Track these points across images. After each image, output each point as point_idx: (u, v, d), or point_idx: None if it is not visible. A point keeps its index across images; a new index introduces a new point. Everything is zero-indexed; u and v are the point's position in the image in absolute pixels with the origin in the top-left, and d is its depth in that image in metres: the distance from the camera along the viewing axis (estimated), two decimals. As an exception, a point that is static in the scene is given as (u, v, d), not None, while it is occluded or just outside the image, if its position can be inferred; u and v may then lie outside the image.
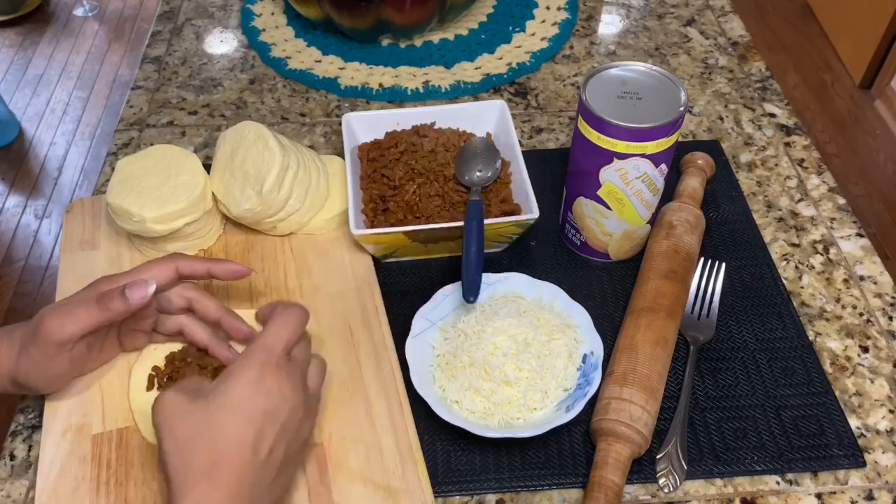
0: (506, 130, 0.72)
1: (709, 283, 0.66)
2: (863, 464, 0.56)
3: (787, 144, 0.81)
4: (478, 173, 0.68)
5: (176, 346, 0.59)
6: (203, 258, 0.57)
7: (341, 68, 0.90)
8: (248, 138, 0.66)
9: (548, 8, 0.99)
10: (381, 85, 0.88)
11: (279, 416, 0.46)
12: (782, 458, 0.56)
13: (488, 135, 0.74)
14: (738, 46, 0.94)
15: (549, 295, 0.62)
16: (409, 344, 0.59)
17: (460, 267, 0.59)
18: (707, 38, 0.95)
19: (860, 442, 0.57)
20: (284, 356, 0.48)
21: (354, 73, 0.89)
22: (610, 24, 0.98)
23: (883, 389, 0.60)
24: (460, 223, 0.63)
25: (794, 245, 0.71)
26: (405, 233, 0.63)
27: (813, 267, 0.69)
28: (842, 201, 0.75)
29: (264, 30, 0.96)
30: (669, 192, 0.71)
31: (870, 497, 0.55)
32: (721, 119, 0.84)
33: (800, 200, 0.75)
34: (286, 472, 0.48)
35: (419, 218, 0.66)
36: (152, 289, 0.53)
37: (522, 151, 0.69)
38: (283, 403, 0.46)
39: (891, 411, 0.59)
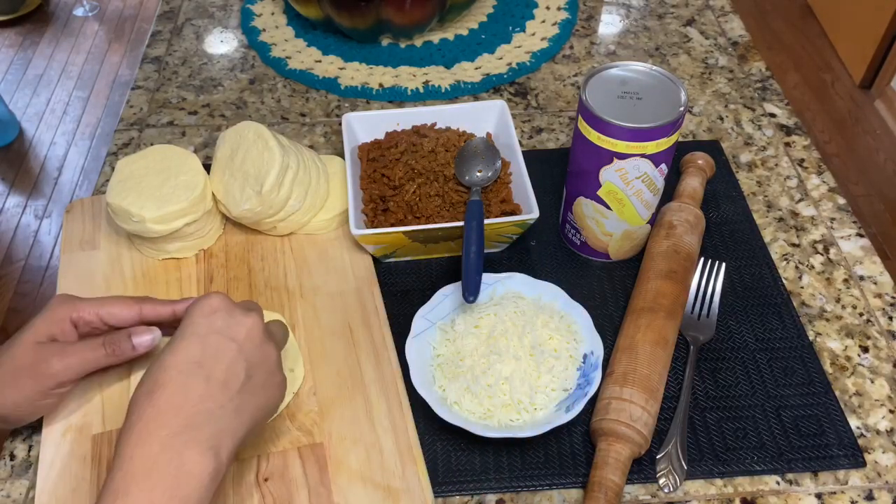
0: (506, 130, 0.72)
1: (709, 283, 0.66)
2: (863, 464, 0.56)
3: (787, 144, 0.81)
4: (478, 173, 0.68)
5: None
6: (167, 301, 0.55)
7: (341, 68, 0.90)
8: (248, 138, 0.66)
9: (548, 8, 0.99)
10: (381, 85, 0.88)
11: (232, 333, 0.47)
12: (782, 458, 0.56)
13: (488, 135, 0.74)
14: (738, 46, 0.94)
15: (549, 295, 0.62)
16: (409, 344, 0.59)
17: (460, 267, 0.59)
18: (707, 38, 0.95)
19: (860, 442, 0.57)
20: (228, 298, 0.49)
21: (354, 73, 0.89)
22: (610, 24, 0.98)
23: (883, 389, 0.60)
24: (460, 223, 0.63)
25: (794, 245, 0.71)
26: (405, 233, 0.63)
27: (813, 267, 0.69)
28: (842, 201, 0.75)
29: (264, 30, 0.96)
30: (669, 192, 0.71)
31: (870, 497, 0.55)
32: (721, 119, 0.84)
33: (800, 200, 0.75)
34: (256, 396, 0.47)
35: (419, 218, 0.66)
36: (158, 336, 0.54)
37: (522, 151, 0.69)
38: (234, 322, 0.47)
39: (891, 411, 0.59)
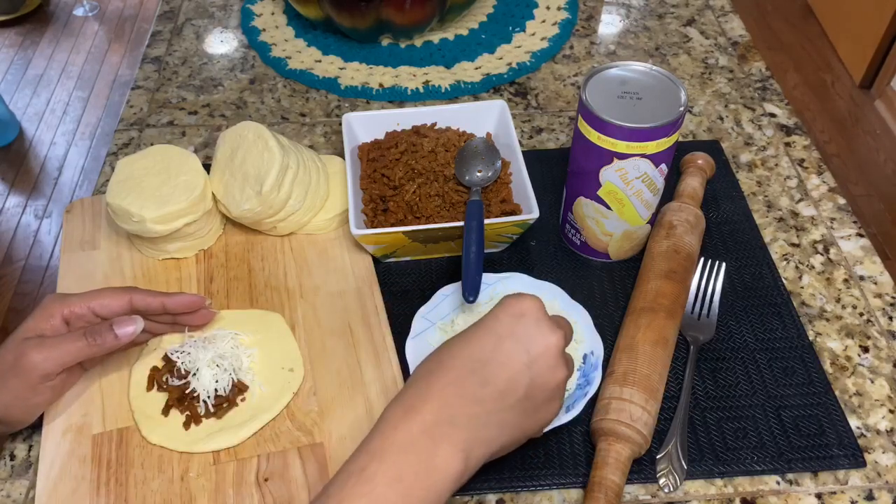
0: (506, 130, 0.72)
1: (709, 283, 0.66)
2: (863, 464, 0.56)
3: (787, 144, 0.81)
4: (478, 173, 0.68)
5: (177, 343, 0.59)
6: (157, 293, 0.56)
7: (341, 68, 0.90)
8: (248, 138, 0.66)
9: (548, 8, 0.99)
10: (381, 85, 0.88)
11: (529, 345, 0.45)
12: (782, 458, 0.56)
13: (488, 135, 0.74)
14: (738, 46, 0.94)
15: (549, 295, 0.62)
16: (409, 344, 0.59)
17: (460, 267, 0.59)
18: (707, 38, 0.95)
19: (860, 442, 0.57)
20: (542, 305, 0.47)
21: (354, 73, 0.89)
22: (610, 24, 0.98)
23: (883, 389, 0.60)
24: (460, 223, 0.63)
25: (794, 245, 0.71)
26: (405, 233, 0.63)
27: (813, 267, 0.69)
28: (842, 201, 0.75)
29: (264, 30, 0.96)
30: (669, 192, 0.71)
31: (870, 497, 0.55)
32: (721, 119, 0.84)
33: (800, 200, 0.75)
34: (523, 415, 0.45)
35: (419, 218, 0.66)
36: (140, 326, 0.53)
37: (522, 151, 0.69)
38: (538, 335, 0.45)
39: (891, 411, 0.59)
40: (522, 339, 0.45)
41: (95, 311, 0.54)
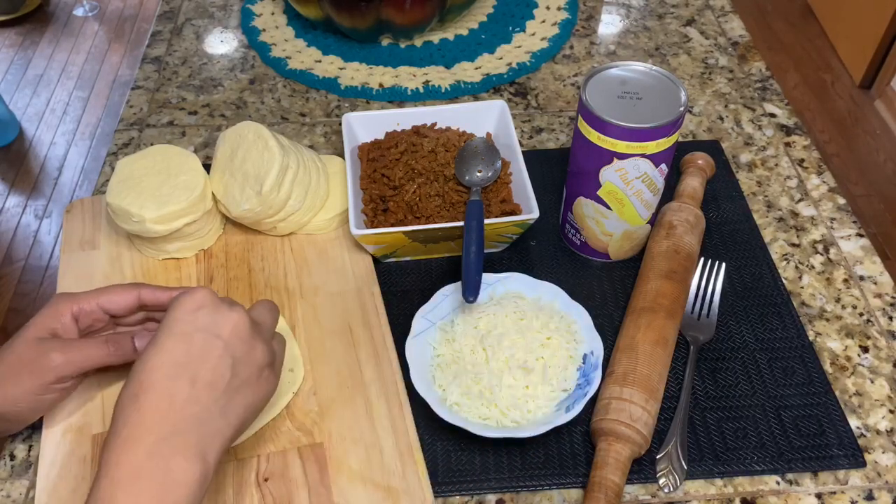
0: (506, 130, 0.72)
1: (709, 283, 0.66)
2: (863, 464, 0.56)
3: (787, 144, 0.81)
4: (478, 173, 0.68)
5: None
6: (165, 288, 0.56)
7: (341, 68, 0.90)
8: (248, 138, 0.66)
9: (548, 8, 0.99)
10: (381, 85, 0.88)
11: (218, 330, 0.45)
12: (782, 458, 0.56)
13: (488, 135, 0.74)
14: (738, 46, 0.94)
15: (549, 295, 0.62)
16: (409, 344, 0.59)
17: (460, 267, 0.59)
18: (707, 38, 0.95)
19: (860, 442, 0.57)
20: (214, 293, 0.48)
21: (354, 73, 0.89)
22: (610, 24, 0.98)
23: (883, 389, 0.60)
24: (460, 223, 0.63)
25: (794, 245, 0.71)
26: (405, 233, 0.63)
27: (813, 267, 0.69)
28: (842, 201, 0.75)
29: (264, 30, 0.96)
30: (669, 192, 0.71)
31: (870, 497, 0.55)
32: (721, 119, 0.84)
33: (800, 200, 0.75)
34: (242, 394, 0.46)
35: (419, 218, 0.66)
36: None
37: (522, 151, 0.69)
38: (219, 319, 0.46)
39: (891, 411, 0.59)
40: (209, 327, 0.45)
41: (104, 307, 0.54)
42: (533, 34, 0.95)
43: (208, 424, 0.43)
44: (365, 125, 0.73)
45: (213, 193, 0.67)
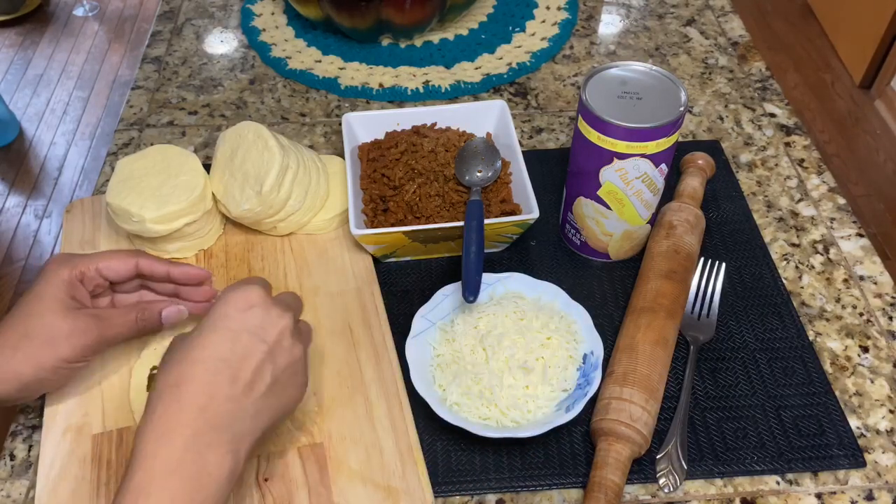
0: (506, 130, 0.72)
1: (709, 283, 0.66)
2: (863, 464, 0.56)
3: (787, 144, 0.81)
4: (478, 173, 0.68)
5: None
6: (164, 260, 0.57)
7: (341, 68, 0.90)
8: (248, 138, 0.66)
9: (548, 8, 0.99)
10: (381, 85, 0.88)
11: (265, 335, 0.46)
12: (782, 458, 0.56)
13: (488, 135, 0.74)
14: (738, 46, 0.94)
15: (549, 295, 0.62)
16: (409, 344, 0.59)
17: (460, 267, 0.59)
18: (707, 38, 0.95)
19: (860, 442, 0.57)
20: (265, 286, 0.48)
21: (354, 73, 0.89)
22: (610, 24, 0.98)
23: (883, 389, 0.60)
24: (460, 223, 0.63)
25: (794, 245, 0.71)
26: (405, 233, 0.63)
27: (813, 267, 0.69)
28: (842, 201, 0.75)
29: (264, 30, 0.96)
30: (669, 192, 0.71)
31: (870, 497, 0.55)
32: (721, 119, 0.84)
33: (800, 200, 0.75)
34: (277, 398, 0.46)
35: (419, 218, 0.66)
36: (185, 314, 0.57)
37: (522, 151, 0.69)
38: (269, 324, 0.46)
39: (891, 411, 0.59)
40: (257, 330, 0.46)
41: (102, 273, 0.55)
42: (533, 34, 0.95)
43: (242, 423, 0.44)
44: (365, 125, 0.73)
45: (213, 193, 0.67)
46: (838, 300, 0.67)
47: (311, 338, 0.53)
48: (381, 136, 0.74)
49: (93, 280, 0.55)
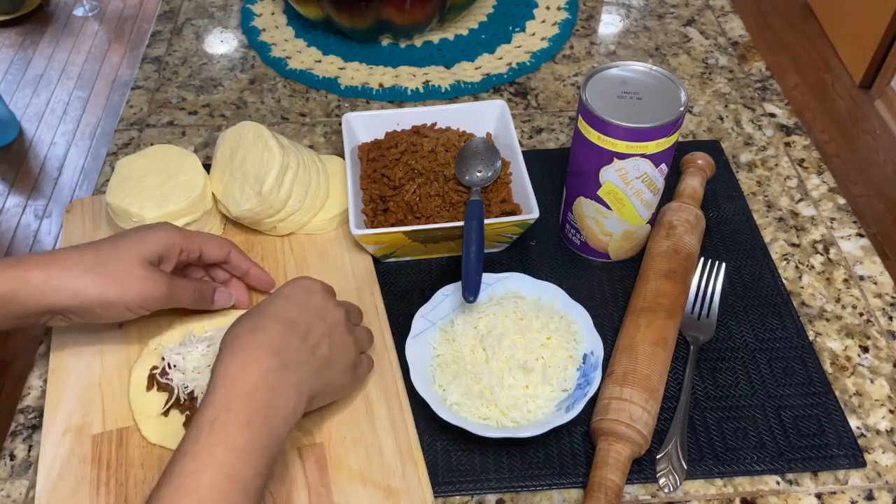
0: (506, 130, 0.72)
1: (709, 283, 0.66)
2: (863, 464, 0.56)
3: (787, 144, 0.81)
4: (478, 173, 0.68)
5: (175, 342, 0.59)
6: (248, 258, 0.63)
7: (341, 68, 0.90)
8: (248, 138, 0.66)
9: (548, 8, 0.99)
10: (381, 85, 0.88)
11: (325, 315, 0.52)
12: (782, 458, 0.56)
13: (488, 135, 0.74)
14: (738, 46, 0.94)
15: (549, 295, 0.62)
16: (409, 344, 0.59)
17: (460, 267, 0.59)
18: (707, 38, 0.95)
19: (860, 442, 0.57)
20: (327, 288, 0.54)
21: (354, 73, 0.89)
22: (610, 24, 0.98)
23: (883, 389, 0.60)
24: (460, 223, 0.63)
25: (794, 245, 0.71)
26: (405, 233, 0.63)
27: (813, 267, 0.69)
28: (842, 201, 0.75)
29: (264, 30, 0.96)
30: (669, 192, 0.71)
31: (870, 497, 0.55)
32: (721, 119, 0.84)
33: (800, 200, 0.75)
34: (329, 371, 0.51)
35: (419, 218, 0.66)
36: (233, 300, 0.62)
37: (522, 151, 0.69)
38: (328, 309, 0.52)
39: (891, 411, 0.59)
40: (318, 309, 0.52)
41: (203, 252, 0.60)
42: (533, 34, 0.95)
43: (306, 372, 0.49)
44: (365, 125, 0.73)
45: (213, 193, 0.67)
46: (838, 300, 0.67)
47: (371, 343, 0.58)
48: (381, 136, 0.74)
49: (189, 255, 0.59)
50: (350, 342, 0.53)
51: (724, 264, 0.68)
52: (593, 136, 0.59)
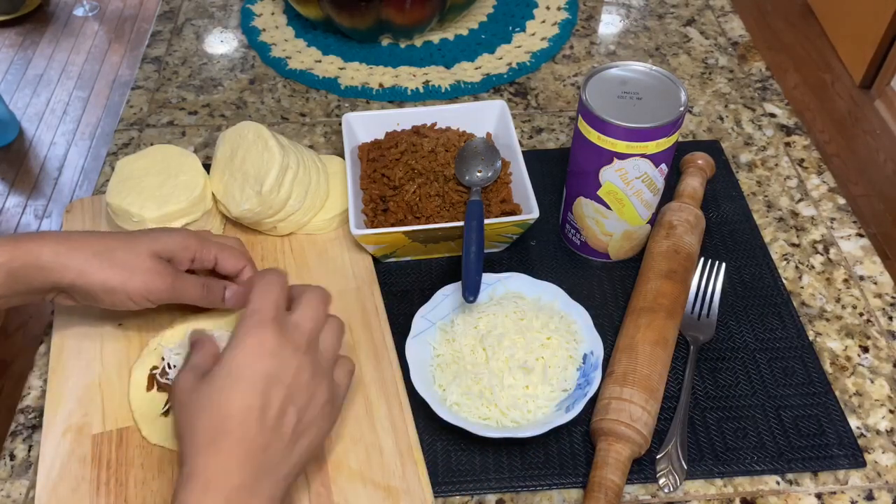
0: (506, 130, 0.72)
1: (709, 283, 0.66)
2: (863, 464, 0.56)
3: (787, 144, 0.81)
4: (478, 173, 0.68)
5: (175, 342, 0.59)
6: (256, 275, 0.60)
7: (341, 68, 0.90)
8: (248, 138, 0.66)
9: (548, 8, 0.99)
10: (381, 85, 0.88)
11: (282, 377, 0.45)
12: (782, 458, 0.56)
13: (488, 135, 0.74)
14: (738, 46, 0.94)
15: (549, 295, 0.62)
16: (409, 344, 0.59)
17: (460, 267, 0.59)
18: (707, 38, 0.95)
19: (860, 442, 0.57)
20: (278, 316, 0.47)
21: (354, 73, 0.89)
22: (610, 24, 0.98)
23: (883, 389, 0.60)
24: (460, 223, 0.63)
25: (794, 245, 0.71)
26: (405, 233, 0.63)
27: (813, 267, 0.69)
28: (842, 201, 0.75)
29: (264, 30, 0.96)
30: (669, 192, 0.71)
31: (870, 497, 0.55)
32: (721, 119, 0.84)
33: (800, 200, 0.75)
34: (305, 436, 0.47)
35: (419, 218, 0.66)
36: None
37: (522, 151, 0.69)
38: (283, 364, 0.46)
39: (891, 411, 0.59)
40: (273, 376, 0.45)
41: (219, 262, 0.58)
42: (533, 34, 0.95)
43: (280, 469, 0.45)
44: (365, 125, 0.73)
45: (213, 193, 0.67)
46: (838, 300, 0.67)
47: (351, 375, 0.52)
48: (381, 136, 0.74)
49: (203, 263, 0.58)
50: (319, 385, 0.48)
51: (724, 264, 0.68)
52: (593, 136, 0.59)
